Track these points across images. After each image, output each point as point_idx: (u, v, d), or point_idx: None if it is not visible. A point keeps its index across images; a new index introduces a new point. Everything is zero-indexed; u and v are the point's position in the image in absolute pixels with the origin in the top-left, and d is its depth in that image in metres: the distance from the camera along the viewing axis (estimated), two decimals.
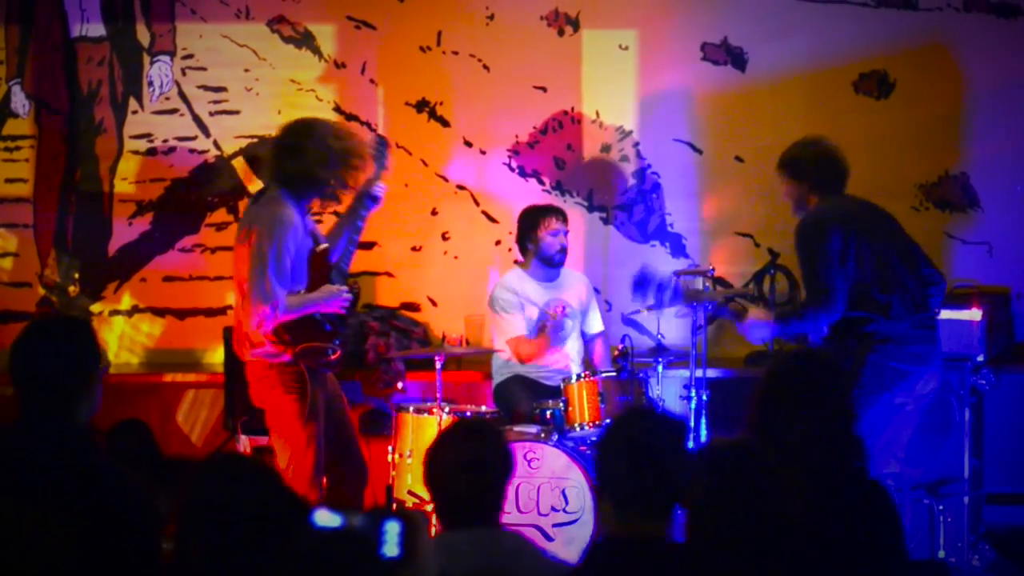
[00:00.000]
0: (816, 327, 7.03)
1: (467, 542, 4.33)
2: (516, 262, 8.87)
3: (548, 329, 8.38)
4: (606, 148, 9.62)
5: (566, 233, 8.59)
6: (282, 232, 6.98)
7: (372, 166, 7.50)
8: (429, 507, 7.49)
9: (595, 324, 8.76)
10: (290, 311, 7.03)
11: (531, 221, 8.61)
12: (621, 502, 4.13)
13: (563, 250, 8.57)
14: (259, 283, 6.96)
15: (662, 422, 4.26)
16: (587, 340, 8.75)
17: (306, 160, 7.10)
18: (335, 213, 7.71)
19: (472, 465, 4.35)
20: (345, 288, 7.26)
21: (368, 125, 9.55)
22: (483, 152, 9.62)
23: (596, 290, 9.04)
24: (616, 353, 8.05)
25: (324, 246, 7.25)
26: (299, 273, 7.11)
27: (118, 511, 4.27)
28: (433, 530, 5.43)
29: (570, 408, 7.89)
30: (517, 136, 9.62)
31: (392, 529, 2.52)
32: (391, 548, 2.50)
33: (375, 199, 7.45)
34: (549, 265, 8.58)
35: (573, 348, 8.64)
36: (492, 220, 9.62)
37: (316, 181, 7.13)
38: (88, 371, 4.57)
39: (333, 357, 7.23)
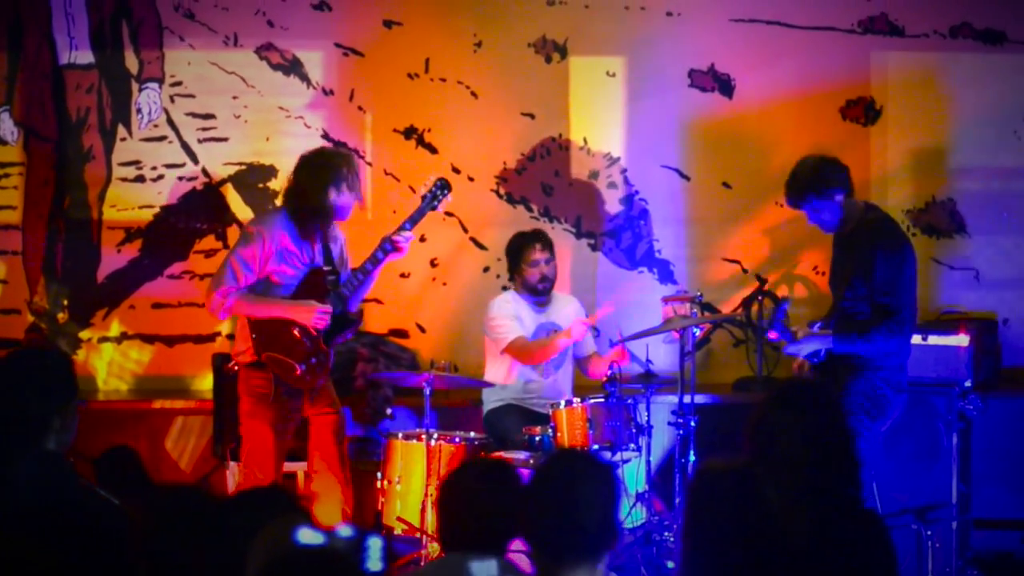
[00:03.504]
0: (881, 348, 7.03)
1: (445, 564, 4.37)
2: (504, 288, 8.89)
3: (563, 336, 8.39)
4: (594, 175, 9.64)
5: (547, 261, 8.56)
6: (255, 233, 7.45)
7: (419, 203, 7.72)
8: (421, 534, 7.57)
9: (588, 346, 8.75)
10: (248, 304, 7.43)
11: (515, 251, 8.64)
12: (549, 550, 4.08)
13: (544, 278, 8.55)
14: (218, 270, 7.51)
15: (589, 467, 4.21)
16: (581, 359, 8.75)
17: (297, 187, 7.57)
18: None
19: (477, 502, 4.38)
20: (324, 307, 7.41)
21: (356, 152, 9.56)
22: (471, 179, 9.63)
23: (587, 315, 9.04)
24: (604, 379, 8.06)
25: (325, 268, 7.44)
26: (277, 282, 7.49)
27: (94, 541, 4.26)
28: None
29: (559, 434, 7.90)
30: (505, 163, 9.63)
31: (375, 545, 2.53)
32: (374, 564, 2.51)
33: (395, 246, 7.54)
34: (534, 294, 8.60)
35: (564, 375, 8.64)
36: (480, 247, 9.63)
37: (306, 207, 7.49)
38: (63, 402, 4.57)
39: (296, 374, 7.34)
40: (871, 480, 7.05)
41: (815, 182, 7.15)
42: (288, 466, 7.99)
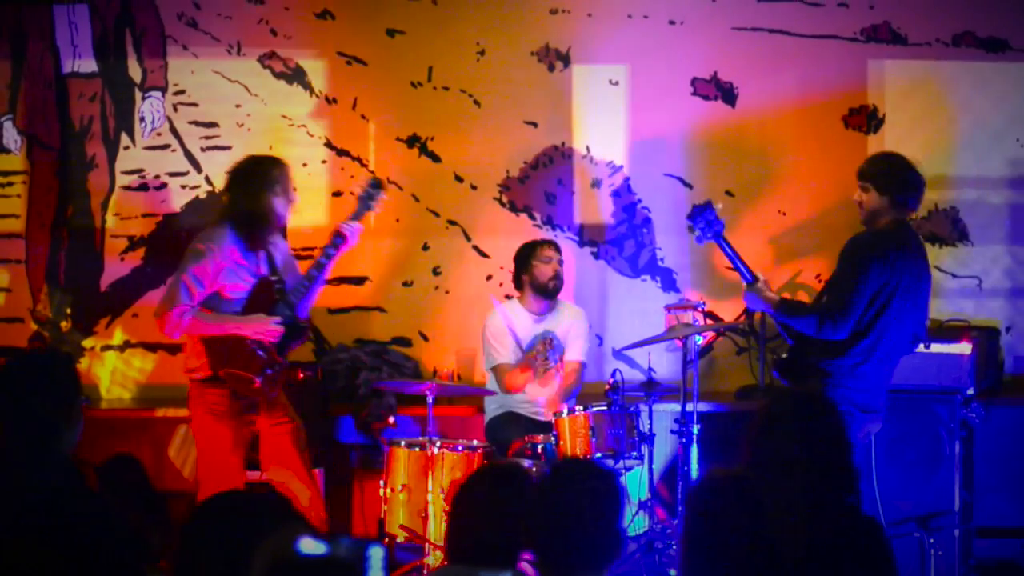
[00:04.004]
0: (810, 331, 7.04)
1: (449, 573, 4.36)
2: (507, 296, 8.90)
3: (537, 364, 8.39)
4: (597, 183, 9.64)
5: (560, 262, 8.62)
6: (206, 249, 7.40)
7: (356, 204, 7.70)
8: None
9: (572, 351, 8.72)
10: (203, 322, 7.41)
11: (525, 253, 8.68)
12: (554, 560, 4.09)
13: (556, 276, 8.59)
14: (169, 290, 7.51)
15: (592, 476, 4.21)
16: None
17: (235, 199, 7.57)
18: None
19: (492, 510, 4.37)
20: (277, 319, 7.40)
21: (359, 161, 9.58)
22: (474, 187, 9.64)
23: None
24: (607, 387, 8.06)
25: (273, 277, 7.45)
26: (229, 298, 7.47)
27: (101, 540, 4.28)
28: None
29: (561, 442, 7.91)
30: (508, 171, 9.64)
31: (376, 554, 2.53)
32: (376, 573, 2.52)
33: (343, 237, 7.58)
34: (544, 293, 8.60)
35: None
36: (483, 255, 9.63)
37: (249, 216, 7.48)
38: (69, 403, 4.60)
39: (255, 386, 7.36)
40: (870, 489, 7.06)
41: (885, 173, 7.21)
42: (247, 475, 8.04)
